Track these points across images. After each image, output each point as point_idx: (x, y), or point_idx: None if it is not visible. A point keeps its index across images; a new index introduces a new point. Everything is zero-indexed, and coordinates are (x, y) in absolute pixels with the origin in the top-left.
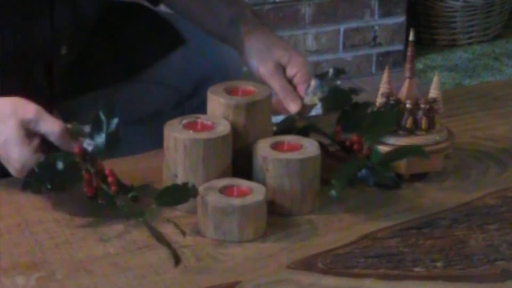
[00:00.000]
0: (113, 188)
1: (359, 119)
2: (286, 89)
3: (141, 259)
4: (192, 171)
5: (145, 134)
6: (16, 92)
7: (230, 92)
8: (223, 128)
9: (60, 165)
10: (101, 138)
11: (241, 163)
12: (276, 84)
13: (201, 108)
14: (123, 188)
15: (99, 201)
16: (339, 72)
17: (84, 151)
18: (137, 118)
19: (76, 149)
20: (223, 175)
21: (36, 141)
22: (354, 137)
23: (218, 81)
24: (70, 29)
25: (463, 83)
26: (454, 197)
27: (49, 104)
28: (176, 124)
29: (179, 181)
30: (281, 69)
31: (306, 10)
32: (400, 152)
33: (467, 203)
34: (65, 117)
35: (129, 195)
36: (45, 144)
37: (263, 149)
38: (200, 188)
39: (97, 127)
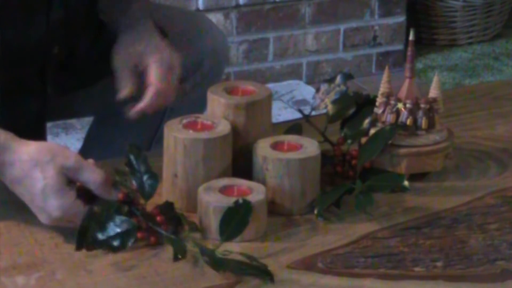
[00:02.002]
0: (164, 227)
1: (361, 125)
2: (123, 75)
3: (141, 259)
4: (192, 171)
5: (141, 121)
6: (8, 91)
7: (230, 92)
8: (223, 128)
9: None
10: (138, 180)
11: (241, 163)
12: (120, 72)
13: (194, 91)
14: (173, 224)
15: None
16: (347, 77)
17: (126, 198)
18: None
19: (120, 197)
20: (223, 175)
21: (74, 189)
22: (353, 151)
23: (208, 64)
24: (63, 29)
25: (463, 83)
26: (454, 197)
27: (41, 102)
28: (176, 124)
29: (179, 181)
30: (130, 62)
31: (306, 10)
32: (382, 184)
33: (467, 203)
34: (57, 112)
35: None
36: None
37: (263, 149)
38: (200, 188)
39: (131, 171)
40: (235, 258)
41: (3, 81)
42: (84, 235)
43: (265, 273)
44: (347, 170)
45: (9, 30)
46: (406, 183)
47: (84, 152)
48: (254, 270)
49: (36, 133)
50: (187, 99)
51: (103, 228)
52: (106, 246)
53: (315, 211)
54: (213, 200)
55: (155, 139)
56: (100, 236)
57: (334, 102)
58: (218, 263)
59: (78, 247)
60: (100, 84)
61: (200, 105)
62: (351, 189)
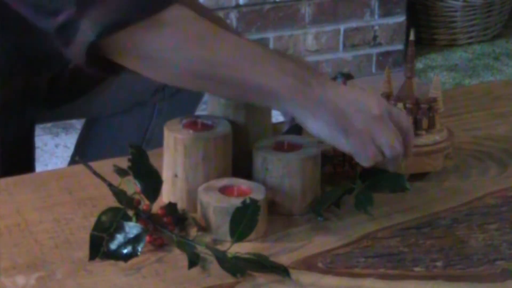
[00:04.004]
0: (170, 228)
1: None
2: None
3: (141, 259)
4: (192, 171)
5: (131, 122)
6: (15, 96)
7: None
8: (223, 128)
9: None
10: (142, 182)
11: (241, 163)
12: None
13: (181, 91)
14: (179, 225)
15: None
16: (347, 77)
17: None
18: (123, 108)
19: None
20: (223, 175)
21: None
22: None
23: None
24: None
25: (463, 83)
26: (454, 197)
27: (41, 110)
28: (176, 124)
29: (179, 181)
30: None
31: (306, 10)
32: (382, 184)
33: (467, 203)
34: (49, 115)
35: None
36: None
37: (263, 149)
38: (200, 188)
39: (134, 174)
40: (248, 258)
41: (12, 87)
42: (96, 246)
43: (282, 270)
44: (347, 170)
45: (19, 42)
46: (406, 183)
47: (77, 152)
48: (270, 268)
49: (27, 137)
50: (176, 99)
51: (113, 238)
52: (118, 256)
53: (315, 211)
54: (213, 200)
55: (145, 140)
56: (112, 246)
57: None
58: (235, 269)
59: (92, 258)
60: (98, 89)
61: (189, 105)
62: (351, 189)
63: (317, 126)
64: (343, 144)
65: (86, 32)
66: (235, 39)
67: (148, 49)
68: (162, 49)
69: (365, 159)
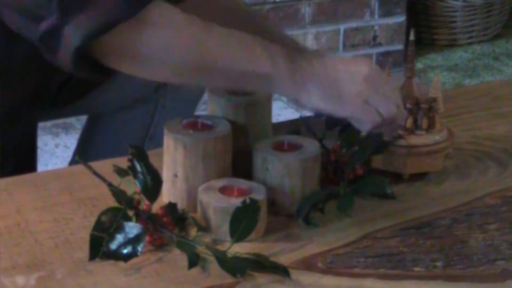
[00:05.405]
0: (170, 228)
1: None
2: None
3: (141, 259)
4: (192, 171)
5: (134, 119)
6: (25, 98)
7: (230, 92)
8: (223, 128)
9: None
10: (142, 182)
11: (241, 163)
12: None
13: (184, 86)
14: (179, 225)
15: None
16: None
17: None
18: (125, 105)
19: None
20: (223, 175)
21: None
22: (344, 157)
23: None
24: None
25: (463, 83)
26: (454, 197)
27: (53, 109)
28: (176, 124)
29: (179, 181)
30: None
31: (306, 10)
32: (365, 188)
33: (467, 203)
34: (62, 113)
35: (197, 233)
36: None
37: (263, 149)
38: (200, 188)
39: (134, 174)
40: (248, 258)
41: (26, 89)
42: (96, 246)
43: (282, 270)
44: (340, 176)
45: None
46: (387, 188)
47: (80, 150)
48: (270, 269)
49: (30, 137)
50: (178, 94)
51: (113, 238)
52: (118, 256)
53: (299, 219)
54: (213, 200)
55: (147, 137)
56: (112, 246)
57: None
58: (235, 269)
59: (92, 258)
60: (101, 87)
61: (191, 104)
62: (336, 193)
63: (312, 99)
64: (341, 111)
65: (70, 38)
66: (222, 30)
67: (136, 48)
68: (150, 47)
69: (364, 122)
